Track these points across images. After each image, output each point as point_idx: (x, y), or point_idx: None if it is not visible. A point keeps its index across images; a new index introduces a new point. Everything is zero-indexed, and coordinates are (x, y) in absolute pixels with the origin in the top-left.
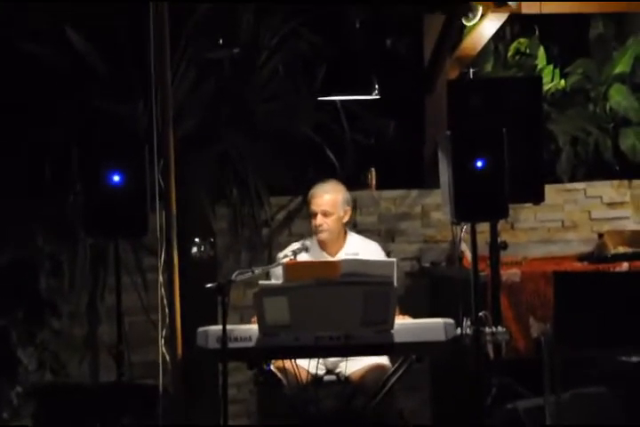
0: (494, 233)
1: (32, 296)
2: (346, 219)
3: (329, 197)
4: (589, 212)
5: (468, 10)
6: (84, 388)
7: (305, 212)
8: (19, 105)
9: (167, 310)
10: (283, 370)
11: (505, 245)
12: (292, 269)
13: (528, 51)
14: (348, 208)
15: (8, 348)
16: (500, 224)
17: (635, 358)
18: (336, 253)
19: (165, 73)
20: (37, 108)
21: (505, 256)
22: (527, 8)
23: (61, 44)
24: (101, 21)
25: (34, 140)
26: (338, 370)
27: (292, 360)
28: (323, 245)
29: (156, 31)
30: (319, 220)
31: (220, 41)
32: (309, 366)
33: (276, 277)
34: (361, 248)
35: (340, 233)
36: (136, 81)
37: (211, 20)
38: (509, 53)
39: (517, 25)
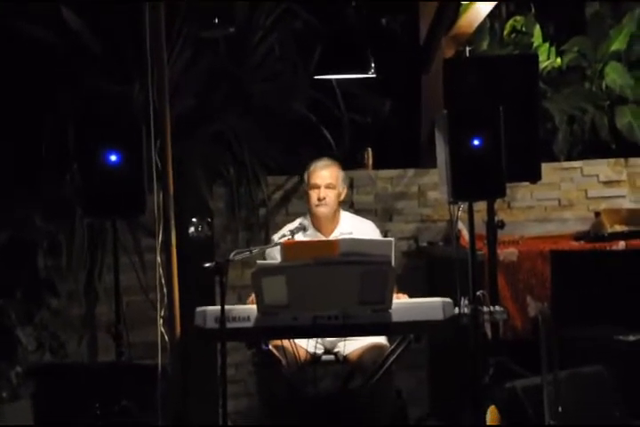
0: (491, 212)
1: (30, 276)
2: (343, 196)
3: (332, 170)
4: (586, 190)
5: None
6: (82, 368)
7: (301, 191)
8: (14, 85)
9: (165, 290)
10: (281, 350)
11: (502, 224)
12: (289, 248)
13: (524, 29)
14: (345, 186)
15: (7, 327)
16: (497, 203)
17: (631, 337)
18: (331, 232)
19: (161, 52)
20: (33, 89)
21: (502, 235)
22: None
23: (57, 24)
24: (97, 1)
25: (30, 120)
26: (336, 350)
27: (291, 340)
28: (317, 224)
29: (152, 11)
30: (323, 192)
31: (216, 20)
32: (308, 345)
33: (272, 258)
34: (355, 227)
35: (337, 211)
36: (132, 61)
37: None
38: (505, 31)
39: (513, 3)
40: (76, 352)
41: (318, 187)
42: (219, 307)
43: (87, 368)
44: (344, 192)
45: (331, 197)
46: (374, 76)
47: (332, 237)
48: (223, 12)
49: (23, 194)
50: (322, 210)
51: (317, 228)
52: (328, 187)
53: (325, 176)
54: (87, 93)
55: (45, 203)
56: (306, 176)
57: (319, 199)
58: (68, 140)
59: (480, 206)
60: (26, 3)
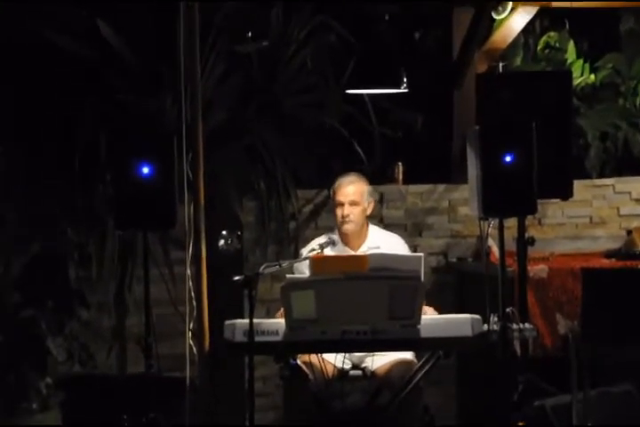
0: (522, 229)
1: (61, 287)
2: (369, 211)
3: (356, 187)
4: (618, 208)
5: (497, 3)
6: (111, 379)
7: (331, 205)
8: (49, 97)
9: (194, 303)
10: (309, 364)
11: (532, 241)
12: (318, 263)
13: (558, 45)
14: (372, 200)
15: (37, 338)
16: (528, 220)
17: None
18: (358, 247)
19: (195, 66)
20: (67, 102)
21: (532, 252)
22: (558, 2)
23: (93, 37)
24: (132, 14)
25: (63, 131)
26: (364, 365)
27: (319, 355)
28: (345, 240)
29: (186, 25)
30: (347, 209)
31: (249, 34)
32: (335, 360)
33: (300, 272)
34: (383, 241)
35: (364, 226)
36: (165, 74)
37: (240, 13)
38: (539, 47)
39: (547, 18)
40: (105, 364)
41: (342, 204)
42: (247, 320)
43: (116, 380)
44: (370, 207)
45: (355, 213)
46: (406, 90)
47: (360, 251)
48: (257, 26)
49: (55, 205)
50: (346, 227)
51: (346, 242)
52: (352, 204)
53: (349, 193)
54: (121, 106)
55: (77, 214)
56: (331, 192)
57: (343, 216)
58: (100, 152)
59: (510, 223)
60: (62, 16)
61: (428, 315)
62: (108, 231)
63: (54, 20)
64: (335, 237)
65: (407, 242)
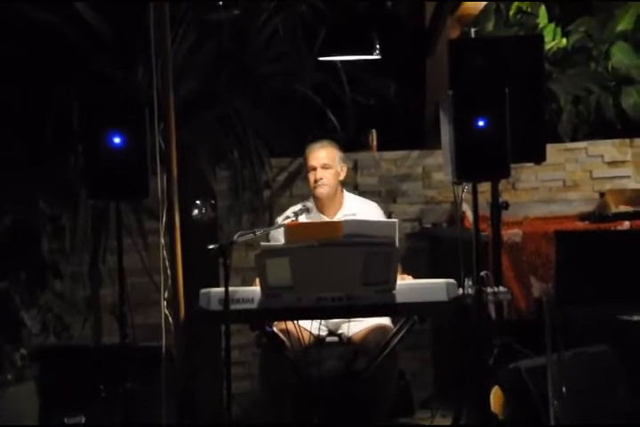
0: (495, 193)
1: (34, 258)
2: (342, 176)
3: (327, 151)
4: (591, 171)
5: None
6: (87, 350)
7: (305, 173)
8: (20, 68)
9: (169, 272)
10: (285, 332)
11: (506, 205)
12: (293, 230)
13: (529, 9)
14: (344, 166)
15: (11, 310)
16: (502, 184)
17: (636, 317)
18: (334, 214)
19: (165, 35)
20: (38, 72)
21: (506, 216)
22: None
23: (64, 8)
24: None
25: (34, 102)
26: (340, 331)
27: (295, 322)
28: (321, 207)
29: None
30: (319, 173)
31: (220, 3)
32: (311, 327)
33: (276, 240)
34: (359, 208)
35: (338, 192)
36: (137, 44)
37: None
38: (511, 12)
39: None
40: (80, 335)
41: (314, 168)
42: (222, 289)
43: (91, 350)
44: (344, 171)
45: (328, 177)
46: (379, 57)
47: (336, 218)
48: None
49: (26, 177)
50: (320, 191)
51: (321, 210)
52: (324, 167)
53: (320, 157)
54: (91, 77)
55: (49, 186)
56: (304, 159)
57: (316, 180)
58: (71, 123)
59: (484, 187)
60: None
61: (405, 281)
62: (80, 202)
63: None
64: (310, 204)
65: (382, 208)
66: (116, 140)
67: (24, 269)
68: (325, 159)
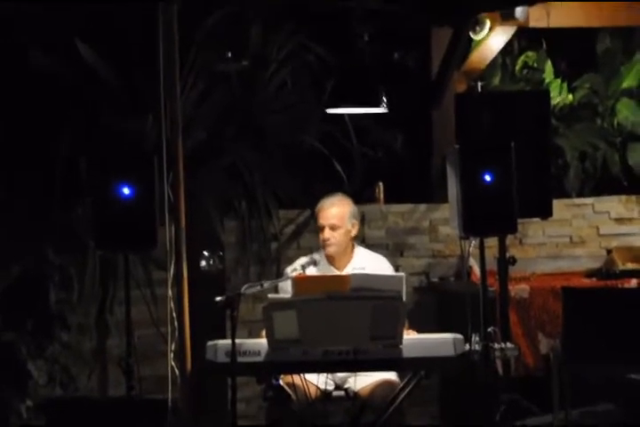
0: (503, 248)
1: (41, 309)
2: (354, 233)
3: (336, 211)
4: (598, 227)
5: (475, 23)
6: (93, 402)
7: (313, 225)
8: (28, 117)
9: (176, 324)
10: (292, 385)
11: (513, 261)
12: (301, 283)
13: (536, 65)
14: (356, 222)
15: (18, 361)
16: (509, 239)
17: None
18: (344, 267)
19: (174, 85)
20: (47, 122)
21: (513, 271)
22: (535, 22)
23: (71, 57)
24: (111, 34)
25: (43, 153)
26: (346, 386)
27: (301, 376)
28: (330, 260)
29: (165, 44)
30: (327, 233)
31: (229, 53)
32: (318, 381)
33: (284, 291)
34: (368, 262)
35: (348, 247)
36: (145, 94)
37: (219, 32)
38: (517, 67)
39: (525, 38)
40: (86, 386)
41: (323, 227)
42: (229, 341)
43: (97, 403)
44: (355, 228)
45: (335, 237)
46: (386, 110)
47: (345, 271)
48: (236, 46)
49: (35, 227)
50: (328, 249)
51: (331, 262)
52: (332, 228)
53: (329, 217)
54: (100, 126)
55: (57, 236)
56: (315, 213)
57: (323, 240)
58: (80, 173)
59: (491, 242)
60: (42, 36)
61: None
62: (88, 253)
63: (36, 41)
64: (318, 256)
65: (389, 261)
66: (125, 190)
67: (31, 320)
68: (334, 219)
